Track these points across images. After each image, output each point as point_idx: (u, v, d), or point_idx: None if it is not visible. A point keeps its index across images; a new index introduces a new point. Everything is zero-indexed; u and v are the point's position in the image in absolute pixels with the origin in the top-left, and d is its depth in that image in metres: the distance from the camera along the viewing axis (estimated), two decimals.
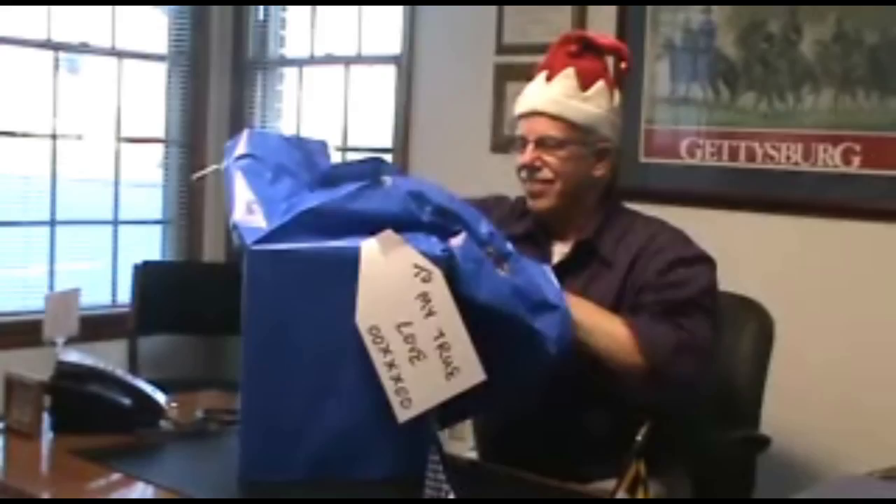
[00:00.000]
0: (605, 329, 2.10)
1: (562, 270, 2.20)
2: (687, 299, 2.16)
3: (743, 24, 3.37)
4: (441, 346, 1.81)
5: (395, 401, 1.82)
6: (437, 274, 1.80)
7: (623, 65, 2.35)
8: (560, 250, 2.29)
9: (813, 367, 3.17)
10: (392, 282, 1.81)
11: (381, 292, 1.81)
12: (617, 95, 2.31)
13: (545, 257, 2.26)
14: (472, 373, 1.82)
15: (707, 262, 2.25)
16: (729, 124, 3.41)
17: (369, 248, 1.82)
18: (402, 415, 1.83)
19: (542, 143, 2.24)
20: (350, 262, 1.81)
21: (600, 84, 2.25)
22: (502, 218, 2.31)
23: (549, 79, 2.25)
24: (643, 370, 2.08)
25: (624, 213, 2.35)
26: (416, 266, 1.80)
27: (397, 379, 1.81)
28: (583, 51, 2.27)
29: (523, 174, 2.27)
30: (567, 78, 2.24)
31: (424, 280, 1.80)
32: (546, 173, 2.24)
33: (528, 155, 2.25)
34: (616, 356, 2.08)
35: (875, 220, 3.11)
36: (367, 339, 1.81)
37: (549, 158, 2.23)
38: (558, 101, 2.23)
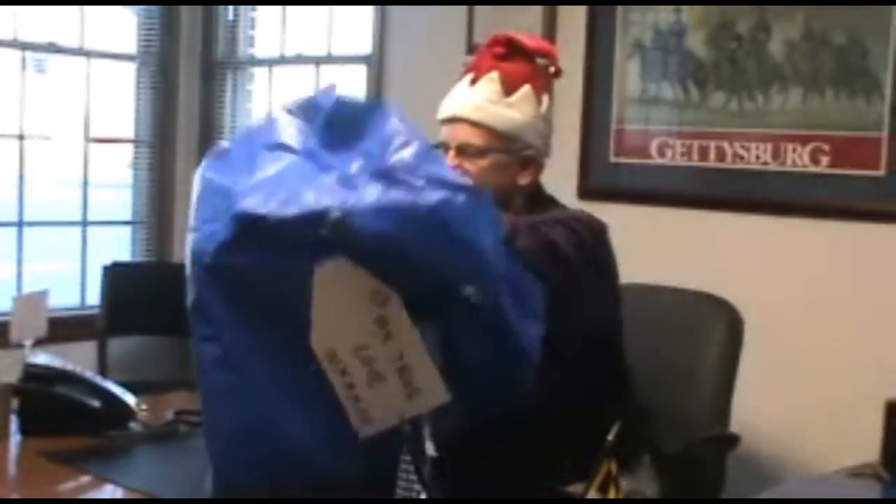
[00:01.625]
0: None
1: None
2: (541, 224, 2.04)
3: (712, 24, 3.39)
4: (401, 369, 1.74)
5: (354, 419, 1.78)
6: (394, 297, 1.72)
7: (552, 69, 2.24)
8: None
9: (782, 366, 3.19)
10: (347, 306, 1.74)
11: (335, 316, 1.74)
12: (546, 100, 2.21)
13: None
14: (435, 394, 1.76)
15: (581, 220, 2.11)
16: (699, 124, 3.42)
17: (322, 273, 1.73)
18: (363, 431, 1.78)
19: (462, 150, 2.15)
20: (303, 282, 1.72)
21: (526, 89, 2.16)
22: None
23: (473, 82, 2.18)
24: None
25: (543, 211, 2.22)
26: (372, 290, 1.72)
27: (356, 399, 1.77)
28: (510, 53, 2.18)
29: None
30: (490, 82, 2.15)
31: (380, 304, 1.72)
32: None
33: (449, 162, 2.14)
34: None
35: (843, 219, 3.13)
36: (324, 362, 1.75)
37: (470, 167, 2.14)
38: (480, 106, 2.15)
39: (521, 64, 2.19)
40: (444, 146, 2.19)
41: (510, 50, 2.19)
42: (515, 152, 2.17)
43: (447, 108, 2.20)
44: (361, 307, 1.73)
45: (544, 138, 2.23)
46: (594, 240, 2.10)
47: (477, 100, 2.15)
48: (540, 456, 2.10)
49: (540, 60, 2.22)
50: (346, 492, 1.83)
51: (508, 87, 2.16)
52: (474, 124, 2.15)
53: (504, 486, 2.05)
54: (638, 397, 2.30)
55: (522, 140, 2.17)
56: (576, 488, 2.01)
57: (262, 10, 4.90)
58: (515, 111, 2.16)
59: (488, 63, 2.19)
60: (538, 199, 2.26)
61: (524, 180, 2.20)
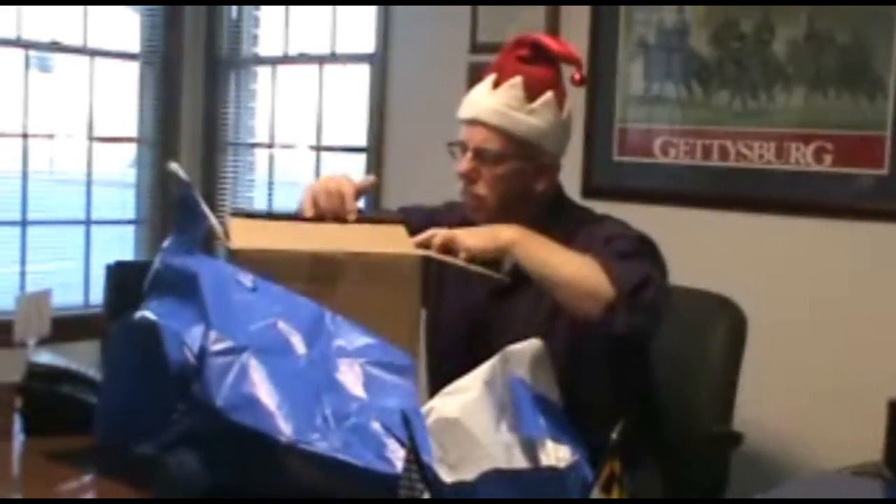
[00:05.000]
0: (575, 260, 1.99)
1: (510, 286, 2.11)
2: (632, 250, 2.06)
3: (716, 23, 3.38)
4: None
5: None
6: None
7: (577, 76, 2.18)
8: (510, 260, 2.12)
9: (786, 364, 3.19)
10: None
11: None
12: (566, 107, 2.19)
13: (496, 268, 2.13)
14: None
15: (646, 241, 2.13)
16: (702, 123, 3.42)
17: None
18: None
19: (479, 154, 2.13)
20: None
21: (548, 95, 2.13)
22: (452, 227, 2.09)
23: (495, 85, 2.14)
24: (612, 297, 1.94)
25: (567, 218, 2.21)
26: None
27: None
28: (535, 57, 2.15)
29: (461, 183, 2.18)
30: (513, 87, 2.12)
31: None
32: (480, 189, 2.14)
33: (465, 164, 2.14)
34: (586, 283, 1.95)
35: (847, 218, 3.13)
36: None
37: (485, 172, 2.13)
38: (501, 111, 2.11)
39: (546, 69, 2.16)
40: (461, 145, 2.18)
41: (535, 53, 2.15)
42: (533, 160, 2.15)
43: (468, 110, 2.18)
44: None
45: (562, 145, 2.20)
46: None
47: (498, 104, 2.12)
48: None
49: (565, 66, 2.18)
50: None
51: (531, 93, 2.12)
52: (493, 128, 2.12)
53: None
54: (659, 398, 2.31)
55: (541, 148, 2.15)
56: None
57: (266, 9, 4.90)
58: (536, 118, 2.13)
59: (512, 66, 2.15)
60: (560, 205, 2.24)
61: (540, 187, 2.18)
